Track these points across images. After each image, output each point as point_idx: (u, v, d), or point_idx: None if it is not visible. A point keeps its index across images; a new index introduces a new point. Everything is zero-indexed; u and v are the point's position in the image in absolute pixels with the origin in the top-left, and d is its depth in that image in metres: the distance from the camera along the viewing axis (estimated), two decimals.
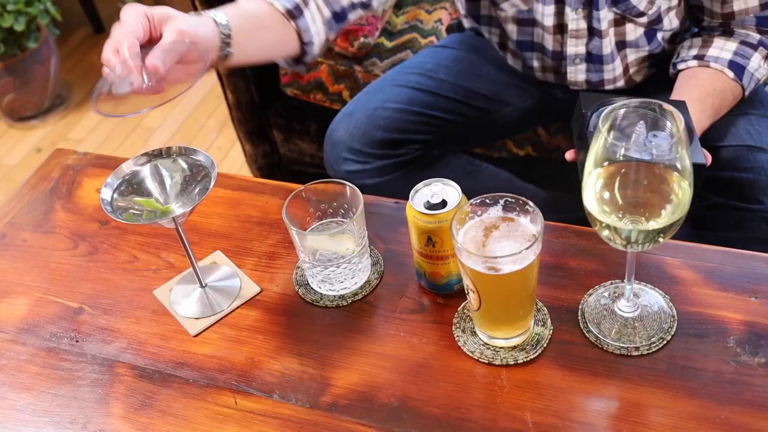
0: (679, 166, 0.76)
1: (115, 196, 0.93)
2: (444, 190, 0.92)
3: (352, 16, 1.16)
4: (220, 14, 0.99)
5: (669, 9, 1.28)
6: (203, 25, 0.98)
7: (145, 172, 0.95)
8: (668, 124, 0.78)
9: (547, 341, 0.91)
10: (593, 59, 1.34)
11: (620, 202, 0.80)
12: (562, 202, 1.63)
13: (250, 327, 0.98)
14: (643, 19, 1.28)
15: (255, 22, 1.02)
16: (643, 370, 0.87)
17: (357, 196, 0.96)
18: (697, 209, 1.27)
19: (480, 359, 0.91)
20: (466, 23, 1.56)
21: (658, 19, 1.29)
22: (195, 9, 1.80)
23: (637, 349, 0.89)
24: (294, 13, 1.03)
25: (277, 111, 1.97)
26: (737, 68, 1.22)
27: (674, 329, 0.91)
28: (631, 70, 1.37)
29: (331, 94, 1.89)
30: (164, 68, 0.90)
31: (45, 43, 2.65)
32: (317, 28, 1.08)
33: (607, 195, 0.80)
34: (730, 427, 0.82)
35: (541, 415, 0.85)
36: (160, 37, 0.93)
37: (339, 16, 1.13)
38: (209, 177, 0.92)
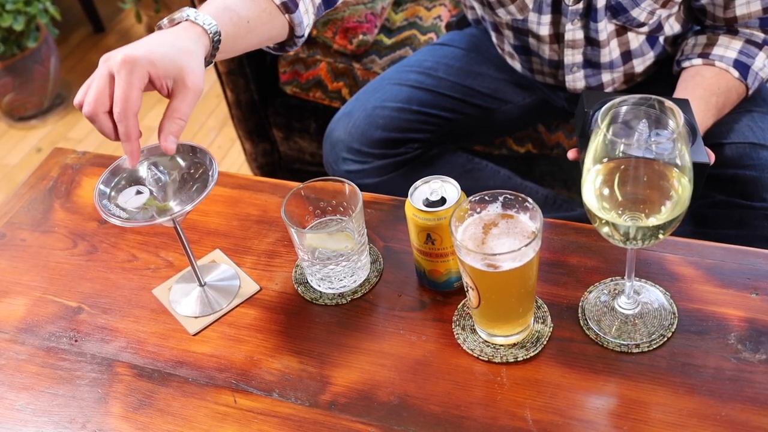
0: (678, 162, 0.76)
1: (112, 194, 0.92)
2: (443, 187, 0.92)
3: (340, 0, 1.14)
4: (210, 21, 0.92)
5: (669, 16, 1.27)
6: (198, 52, 0.90)
7: (143, 170, 0.94)
8: (670, 121, 0.78)
9: (547, 338, 0.91)
10: (593, 66, 1.33)
11: (620, 198, 0.79)
12: (561, 200, 1.63)
13: (250, 325, 0.98)
14: (644, 29, 1.27)
15: (245, 28, 0.97)
16: (644, 367, 0.87)
17: (356, 194, 0.96)
18: (700, 207, 1.27)
19: (480, 357, 0.90)
20: (470, 15, 1.56)
21: (658, 27, 1.28)
22: (193, 5, 1.79)
23: (637, 346, 0.89)
24: (290, 7, 1.01)
25: (276, 109, 1.97)
26: (742, 67, 1.22)
27: (675, 326, 0.90)
28: (636, 75, 1.37)
29: (330, 92, 1.89)
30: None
31: (44, 43, 2.65)
32: (309, 19, 1.06)
33: (606, 191, 0.79)
34: (730, 423, 0.81)
35: (541, 413, 0.85)
36: (167, 89, 0.88)
37: (329, 2, 1.11)
38: (207, 174, 0.91)
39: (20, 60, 2.59)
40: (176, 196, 0.93)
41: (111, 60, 0.85)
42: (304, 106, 1.94)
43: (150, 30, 3.01)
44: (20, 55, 2.58)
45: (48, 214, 1.17)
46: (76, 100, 0.87)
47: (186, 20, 0.91)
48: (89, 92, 0.85)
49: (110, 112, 0.85)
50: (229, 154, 2.52)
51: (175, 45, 0.88)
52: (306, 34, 1.07)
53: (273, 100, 1.97)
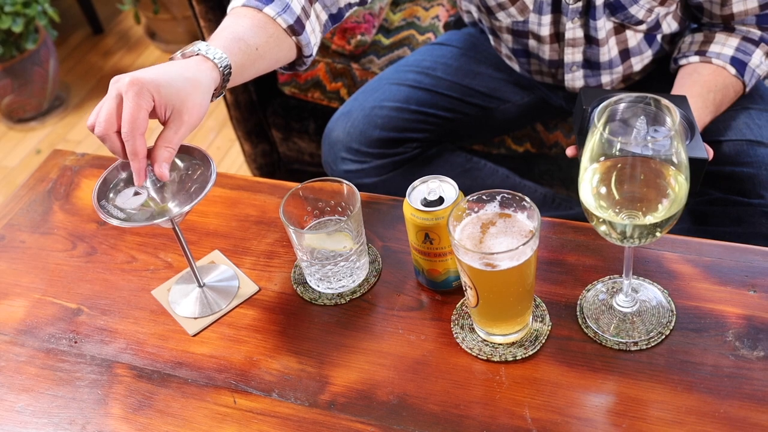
0: (675, 160, 0.76)
1: (111, 195, 0.92)
2: (441, 186, 0.92)
3: (347, 14, 1.15)
4: (220, 55, 0.93)
5: (667, 14, 1.28)
6: (207, 86, 0.91)
7: None
8: (666, 118, 0.78)
9: (545, 337, 0.91)
10: (591, 66, 1.33)
11: (617, 197, 0.79)
12: (560, 198, 1.64)
13: (249, 326, 0.98)
14: (642, 27, 1.27)
15: (254, 55, 0.99)
16: (642, 364, 0.87)
17: (354, 194, 0.96)
18: (698, 204, 1.27)
19: (479, 356, 0.90)
20: (466, 18, 1.56)
21: (656, 25, 1.29)
22: (193, 9, 1.79)
23: (635, 344, 0.89)
24: (296, 29, 1.03)
25: (275, 110, 1.97)
26: (739, 64, 1.22)
27: (673, 324, 0.91)
28: (634, 74, 1.37)
29: (328, 92, 1.89)
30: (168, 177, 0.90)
31: (43, 45, 2.65)
32: (316, 38, 1.07)
33: (603, 190, 0.80)
34: (729, 420, 0.82)
35: (540, 411, 0.85)
36: (165, 116, 0.89)
37: (336, 17, 1.13)
38: (206, 175, 0.91)
39: (19, 62, 2.59)
40: (175, 197, 0.93)
41: (120, 82, 0.87)
42: (302, 107, 1.94)
43: (148, 31, 3.02)
44: (19, 57, 2.58)
45: (47, 216, 1.17)
46: (89, 121, 0.89)
47: (197, 54, 0.93)
48: (100, 113, 0.87)
49: (119, 132, 0.87)
50: (228, 155, 2.52)
51: (183, 75, 0.90)
52: (315, 53, 1.09)
53: (272, 101, 1.98)
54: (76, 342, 1.00)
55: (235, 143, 2.53)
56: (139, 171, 0.88)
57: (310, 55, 1.08)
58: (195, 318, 1.00)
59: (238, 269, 1.05)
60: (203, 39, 1.87)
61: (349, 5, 1.14)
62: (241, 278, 1.03)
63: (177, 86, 0.88)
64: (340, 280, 0.99)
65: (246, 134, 2.04)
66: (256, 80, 1.93)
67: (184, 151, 0.94)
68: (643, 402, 0.84)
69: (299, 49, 1.07)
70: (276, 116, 1.98)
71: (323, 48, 1.87)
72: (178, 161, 0.95)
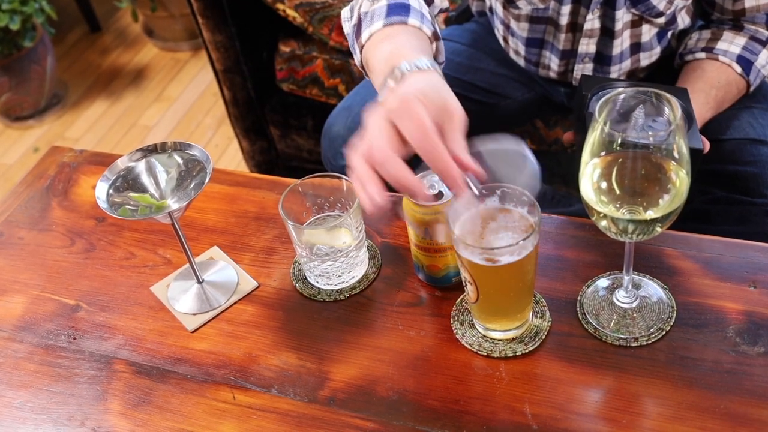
0: (676, 154, 0.76)
1: (111, 192, 0.92)
2: (440, 181, 0.92)
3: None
4: (432, 62, 0.87)
5: (683, 7, 1.27)
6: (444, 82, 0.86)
7: (140, 167, 0.95)
8: (665, 109, 0.78)
9: (545, 333, 0.91)
10: (602, 59, 1.33)
11: (617, 191, 0.79)
12: (559, 195, 1.63)
13: (248, 322, 0.98)
14: (661, 20, 1.27)
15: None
16: (642, 360, 0.87)
17: (354, 190, 0.96)
18: (701, 203, 1.27)
19: (478, 352, 0.90)
20: (475, 7, 1.55)
21: (673, 19, 1.28)
22: (191, 6, 1.79)
23: (636, 339, 0.89)
24: (437, 35, 1.00)
25: (273, 107, 1.97)
26: (745, 63, 1.22)
27: (673, 320, 0.90)
28: (639, 71, 1.37)
29: (326, 88, 1.89)
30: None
31: (41, 42, 2.64)
32: (443, 48, 1.05)
33: (604, 185, 0.80)
34: (729, 416, 0.81)
35: (540, 407, 0.85)
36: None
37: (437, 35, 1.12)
38: (205, 172, 0.92)
39: (17, 59, 2.59)
40: (174, 193, 0.93)
41: (386, 104, 0.80)
42: (300, 104, 1.94)
43: (146, 29, 3.01)
44: (16, 55, 2.58)
45: (45, 213, 1.17)
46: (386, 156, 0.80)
47: (411, 71, 0.85)
48: (421, 130, 0.79)
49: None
50: (227, 153, 2.52)
51: (430, 81, 0.84)
52: (444, 62, 1.05)
53: (270, 98, 1.97)
54: (74, 338, 0.99)
55: (233, 141, 2.53)
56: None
57: (443, 62, 1.04)
58: (194, 314, 0.99)
59: (237, 265, 1.05)
60: (201, 37, 1.87)
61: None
62: (240, 274, 1.03)
63: (431, 88, 0.82)
64: (340, 276, 0.98)
65: (244, 131, 2.04)
66: (254, 77, 1.94)
67: (183, 148, 0.94)
68: (643, 398, 0.84)
69: (434, 57, 1.02)
70: (274, 113, 1.97)
71: (321, 44, 1.87)
72: (176, 158, 0.95)
